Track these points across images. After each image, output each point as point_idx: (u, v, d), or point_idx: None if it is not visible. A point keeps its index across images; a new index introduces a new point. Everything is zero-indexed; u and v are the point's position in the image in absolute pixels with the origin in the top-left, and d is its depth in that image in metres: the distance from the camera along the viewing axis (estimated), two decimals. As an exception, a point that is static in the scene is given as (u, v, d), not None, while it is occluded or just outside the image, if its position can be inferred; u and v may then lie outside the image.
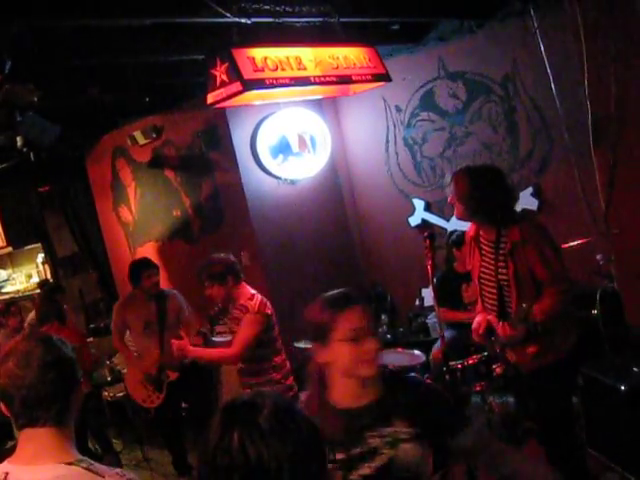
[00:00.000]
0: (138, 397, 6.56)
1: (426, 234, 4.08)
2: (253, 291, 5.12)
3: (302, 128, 7.72)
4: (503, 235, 4.19)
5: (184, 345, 5.14)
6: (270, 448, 1.52)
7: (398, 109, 7.76)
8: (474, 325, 4.51)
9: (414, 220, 7.77)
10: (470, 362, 5.59)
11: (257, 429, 1.54)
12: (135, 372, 6.60)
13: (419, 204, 7.73)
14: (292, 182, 7.70)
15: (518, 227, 4.13)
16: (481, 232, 4.38)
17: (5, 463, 2.12)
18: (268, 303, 5.09)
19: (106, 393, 7.99)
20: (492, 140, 7.12)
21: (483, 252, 4.38)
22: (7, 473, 2.07)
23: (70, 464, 2.07)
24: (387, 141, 7.92)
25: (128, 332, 6.77)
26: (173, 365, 6.25)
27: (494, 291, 4.33)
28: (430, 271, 4.00)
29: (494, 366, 5.27)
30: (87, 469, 2.08)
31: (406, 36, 7.06)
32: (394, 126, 7.83)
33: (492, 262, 4.30)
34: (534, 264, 4.07)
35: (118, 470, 2.14)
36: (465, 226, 5.30)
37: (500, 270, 4.24)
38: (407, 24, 6.75)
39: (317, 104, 7.85)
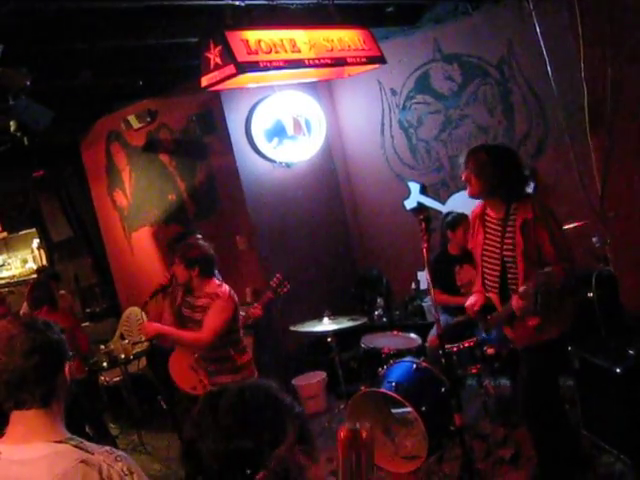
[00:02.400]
0: (186, 385, 5.74)
1: (421, 217, 4.08)
2: (219, 282, 5.14)
3: (297, 111, 7.68)
4: (513, 212, 4.27)
5: (153, 326, 5.23)
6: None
7: (393, 92, 7.73)
8: (469, 302, 4.58)
9: (410, 203, 7.76)
10: (465, 345, 5.62)
11: (221, 410, 1.67)
12: (183, 358, 5.75)
13: (414, 187, 7.72)
14: (287, 165, 7.68)
15: (531, 204, 4.23)
16: (488, 210, 4.44)
17: None
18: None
19: (102, 378, 8.00)
20: (488, 123, 7.09)
21: (488, 230, 4.43)
22: None
23: (60, 442, 2.12)
24: (382, 124, 7.90)
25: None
26: None
27: (497, 268, 4.38)
28: (426, 254, 4.00)
29: (485, 347, 5.32)
30: (76, 447, 2.12)
31: (401, 18, 7.02)
32: (389, 109, 7.80)
33: (498, 239, 4.35)
34: (543, 242, 4.15)
35: (107, 448, 2.17)
36: (460, 208, 5.30)
37: (506, 247, 4.30)
38: (402, 6, 6.71)
39: (312, 87, 7.82)
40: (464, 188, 4.51)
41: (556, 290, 4.07)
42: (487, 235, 4.44)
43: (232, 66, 4.33)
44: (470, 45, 7.04)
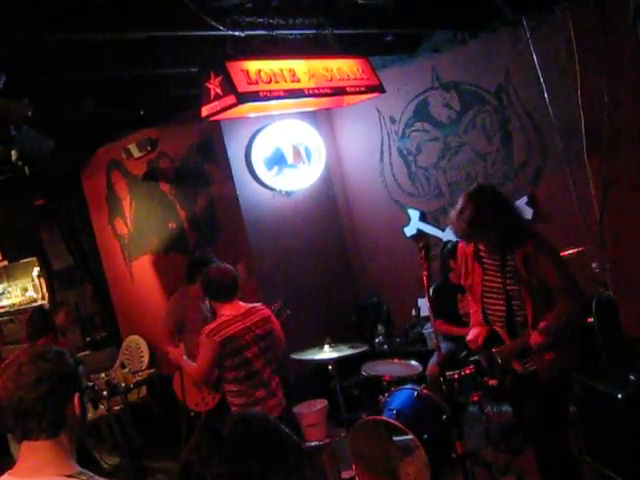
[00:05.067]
0: (190, 401, 6.27)
1: (421, 245, 4.10)
2: (225, 312, 4.97)
3: (297, 139, 7.73)
4: (511, 247, 4.26)
5: (177, 354, 5.35)
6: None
7: (392, 120, 7.79)
8: (471, 336, 4.56)
9: (409, 230, 7.79)
10: (467, 372, 5.60)
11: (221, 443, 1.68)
12: (186, 375, 6.14)
13: (414, 214, 7.74)
14: (287, 193, 7.71)
15: (529, 238, 4.22)
16: (481, 247, 4.44)
17: (6, 475, 2.15)
18: (230, 329, 4.88)
19: (102, 407, 7.96)
20: (486, 150, 7.14)
21: (486, 267, 4.43)
22: None
23: (70, 477, 2.09)
24: (382, 152, 7.95)
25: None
26: None
27: (502, 302, 4.38)
28: (426, 282, 4.01)
29: (486, 378, 5.29)
30: None
31: (400, 47, 7.09)
32: (388, 136, 7.86)
33: (499, 275, 4.36)
34: (547, 272, 4.15)
35: None
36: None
37: (509, 282, 4.30)
38: (401, 35, 6.78)
39: (311, 115, 7.88)
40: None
41: (569, 324, 4.16)
42: (486, 272, 4.44)
43: (232, 96, 4.37)
44: (468, 73, 7.11)
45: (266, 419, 1.73)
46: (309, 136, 7.87)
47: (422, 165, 7.66)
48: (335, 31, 5.08)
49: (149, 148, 7.93)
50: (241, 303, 5.12)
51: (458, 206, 4.29)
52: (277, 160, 7.61)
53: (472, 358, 5.16)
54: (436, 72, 7.35)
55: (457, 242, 6.23)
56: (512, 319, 4.37)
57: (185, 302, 6.46)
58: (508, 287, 4.32)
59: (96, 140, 8.46)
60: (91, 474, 2.14)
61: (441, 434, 5.18)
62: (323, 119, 8.20)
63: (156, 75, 5.77)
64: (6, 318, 11.02)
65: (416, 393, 5.50)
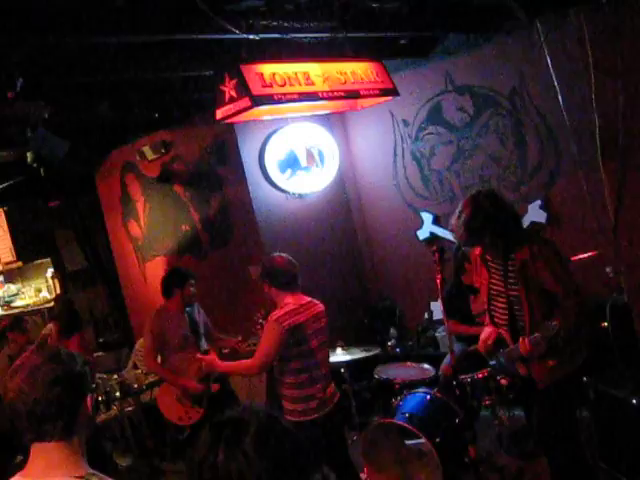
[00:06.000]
0: (173, 416, 6.20)
1: (435, 248, 4.12)
2: (292, 299, 4.88)
3: (310, 143, 7.75)
4: (511, 253, 4.29)
5: (213, 360, 5.16)
6: (252, 466, 1.58)
7: (405, 123, 7.78)
8: (482, 336, 4.57)
9: (422, 233, 7.77)
10: (479, 376, 5.60)
11: (241, 448, 1.60)
12: (169, 390, 6.22)
13: (427, 217, 7.73)
14: (300, 196, 7.72)
15: (527, 245, 4.23)
16: (487, 251, 4.47)
17: (17, 477, 2.14)
18: (299, 317, 4.81)
19: (115, 408, 7.98)
20: (500, 153, 7.12)
21: (491, 270, 4.46)
22: None
23: (81, 478, 2.09)
24: (395, 155, 7.94)
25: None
26: (214, 377, 6.04)
27: (504, 306, 4.41)
28: (439, 285, 4.02)
29: (498, 377, 5.30)
30: None
31: (413, 51, 7.07)
32: (402, 140, 7.85)
33: (501, 279, 4.39)
34: (546, 279, 4.17)
35: None
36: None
37: (509, 287, 4.33)
38: (414, 39, 6.77)
39: (325, 119, 7.88)
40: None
41: (568, 333, 4.13)
42: (491, 275, 4.48)
43: (247, 99, 4.39)
44: (481, 76, 7.10)
45: (271, 426, 1.70)
46: (322, 139, 7.88)
47: (435, 168, 7.65)
48: (349, 34, 5.07)
49: (163, 150, 7.95)
50: (302, 294, 5.04)
51: (457, 210, 4.35)
52: (290, 163, 7.62)
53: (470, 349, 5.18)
54: (450, 75, 7.34)
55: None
56: (515, 324, 4.39)
57: (165, 318, 6.25)
58: (510, 292, 4.35)
59: (110, 142, 8.50)
60: (101, 475, 2.15)
61: (454, 438, 5.18)
62: (337, 122, 8.20)
63: (171, 78, 5.80)
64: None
65: (429, 397, 5.50)
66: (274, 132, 7.53)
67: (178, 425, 6.25)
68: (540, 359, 4.26)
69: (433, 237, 7.65)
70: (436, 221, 7.69)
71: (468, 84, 7.23)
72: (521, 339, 4.21)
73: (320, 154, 7.83)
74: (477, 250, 4.54)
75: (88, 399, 2.22)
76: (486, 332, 4.56)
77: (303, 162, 7.65)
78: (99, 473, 2.15)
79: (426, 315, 7.81)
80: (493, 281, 4.45)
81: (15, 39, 4.01)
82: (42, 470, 2.11)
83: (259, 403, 5.61)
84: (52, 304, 9.60)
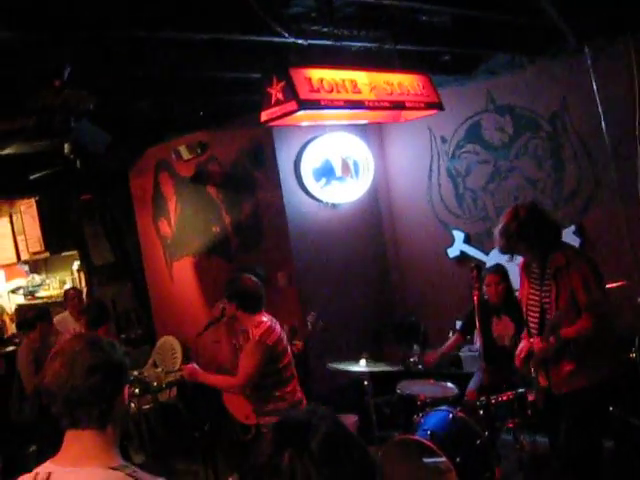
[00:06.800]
0: (240, 414, 6.00)
1: (473, 265, 4.15)
2: (265, 318, 5.02)
3: (346, 153, 7.74)
4: (549, 261, 4.42)
5: (193, 369, 5.22)
6: (320, 473, 1.51)
7: (443, 139, 7.75)
8: (517, 351, 4.64)
9: (453, 251, 7.73)
10: (504, 398, 5.53)
11: (308, 452, 1.53)
12: None
13: (459, 235, 7.69)
14: (333, 206, 7.70)
15: (562, 253, 4.39)
16: (530, 261, 4.61)
17: (48, 463, 2.12)
18: (276, 332, 4.97)
19: (133, 405, 7.98)
20: (537, 176, 7.07)
21: (531, 280, 4.58)
22: (50, 473, 2.07)
23: (115, 469, 2.06)
24: (430, 170, 7.91)
25: None
26: None
27: (537, 315, 4.49)
28: (476, 302, 4.00)
29: (526, 394, 5.26)
30: (130, 475, 2.06)
31: (456, 68, 7.04)
32: (438, 156, 7.82)
33: (538, 288, 4.50)
34: (576, 288, 4.26)
35: (161, 479, 2.12)
36: (504, 259, 5.30)
37: (544, 294, 4.44)
38: (458, 56, 6.75)
39: (362, 129, 7.88)
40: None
41: (585, 339, 4.22)
42: (531, 285, 4.59)
43: (294, 102, 4.37)
44: (523, 98, 7.06)
45: (339, 431, 1.65)
46: (358, 150, 7.86)
47: (470, 187, 7.61)
48: (397, 46, 5.06)
49: (199, 151, 7.97)
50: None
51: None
52: (326, 172, 7.61)
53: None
54: (491, 95, 7.31)
55: (498, 265, 6.24)
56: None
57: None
58: (543, 300, 4.45)
59: (147, 139, 8.52)
60: (134, 467, 2.12)
61: (474, 458, 5.12)
62: (373, 134, 8.18)
63: (213, 78, 5.79)
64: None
65: (451, 415, 5.43)
66: (311, 140, 7.52)
67: (244, 424, 6.21)
68: (556, 362, 4.35)
69: (463, 256, 7.60)
70: (467, 240, 7.64)
71: (509, 105, 7.19)
72: (535, 338, 4.34)
73: (355, 165, 7.82)
74: (523, 260, 4.69)
75: (125, 389, 2.20)
76: (520, 347, 4.62)
77: (338, 172, 7.64)
78: (131, 465, 2.12)
79: (451, 333, 7.72)
80: (531, 291, 4.56)
81: (70, 30, 4.03)
82: (75, 458, 2.09)
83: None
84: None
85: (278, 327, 5.07)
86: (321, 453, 1.53)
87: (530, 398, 5.04)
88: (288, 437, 1.57)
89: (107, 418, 2.13)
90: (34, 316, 7.19)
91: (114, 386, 2.16)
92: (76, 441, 2.11)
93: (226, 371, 5.59)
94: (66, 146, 5.73)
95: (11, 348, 9.64)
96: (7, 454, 6.83)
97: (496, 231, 4.55)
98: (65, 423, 2.13)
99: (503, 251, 4.60)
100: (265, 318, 5.03)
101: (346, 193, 7.76)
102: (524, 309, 4.67)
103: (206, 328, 5.69)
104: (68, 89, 4.47)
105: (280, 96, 4.45)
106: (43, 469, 2.09)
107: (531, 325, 4.59)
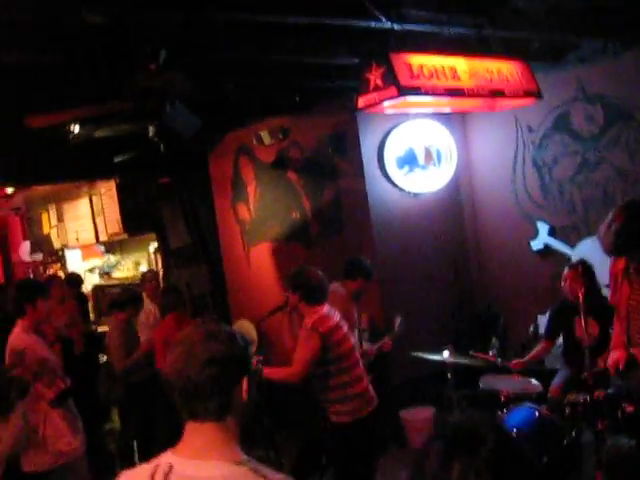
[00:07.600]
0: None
1: (580, 260, 3.96)
2: (325, 310, 4.95)
3: (429, 141, 7.63)
4: None
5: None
6: None
7: (530, 129, 7.55)
8: (611, 361, 4.39)
9: (536, 244, 7.55)
10: (594, 397, 5.34)
11: (479, 462, 1.48)
12: None
13: (543, 228, 7.49)
14: (415, 195, 7.60)
15: None
16: (632, 264, 4.28)
17: (169, 453, 2.09)
18: (331, 321, 4.90)
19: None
20: (628, 168, 6.83)
21: (633, 285, 4.28)
22: (171, 465, 2.04)
23: (238, 463, 2.02)
24: (515, 160, 7.72)
25: None
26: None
27: None
28: (582, 299, 3.85)
29: (624, 404, 5.04)
30: (253, 470, 2.01)
31: (546, 55, 6.85)
32: (524, 146, 7.62)
33: None
34: None
35: (282, 475, 2.07)
36: (590, 255, 5.12)
37: None
38: (547, 42, 6.55)
39: (446, 118, 7.74)
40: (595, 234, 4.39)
41: None
42: (633, 290, 4.29)
43: (394, 88, 4.29)
44: (616, 86, 6.81)
45: (508, 441, 1.59)
46: (442, 138, 7.74)
47: (557, 178, 7.40)
48: (497, 33, 4.94)
49: (281, 136, 7.93)
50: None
51: (608, 219, 4.16)
52: (408, 160, 7.51)
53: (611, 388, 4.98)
54: (581, 83, 7.08)
55: (581, 261, 6.02)
56: None
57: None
58: None
59: (228, 123, 8.52)
60: (256, 462, 2.06)
61: (561, 459, 4.98)
62: (457, 122, 8.03)
63: (304, 63, 5.73)
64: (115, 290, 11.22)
65: (537, 413, 5.30)
66: (395, 127, 7.42)
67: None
68: None
69: (547, 249, 7.42)
70: (552, 233, 7.44)
71: (601, 94, 6.95)
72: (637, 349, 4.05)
73: (438, 153, 7.71)
74: (620, 264, 4.35)
75: (244, 381, 2.15)
76: (615, 355, 4.38)
77: (421, 160, 7.55)
78: (253, 459, 2.08)
79: (531, 328, 7.57)
80: (633, 296, 4.27)
81: (167, 12, 4.03)
82: (196, 451, 2.05)
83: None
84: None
85: (336, 316, 5.00)
86: (491, 464, 1.47)
87: (629, 409, 4.85)
88: (458, 448, 1.52)
89: (225, 411, 2.09)
90: (128, 298, 7.25)
91: (231, 379, 2.11)
92: (196, 433, 2.08)
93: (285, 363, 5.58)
94: (151, 129, 5.75)
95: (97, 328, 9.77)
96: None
97: (604, 229, 4.15)
98: (185, 414, 2.10)
99: (612, 252, 4.26)
100: (325, 310, 4.98)
101: (428, 182, 7.66)
102: (622, 315, 4.37)
103: (268, 315, 5.68)
104: (164, 73, 4.47)
105: (379, 82, 4.37)
106: (164, 460, 2.07)
107: (634, 333, 4.30)
